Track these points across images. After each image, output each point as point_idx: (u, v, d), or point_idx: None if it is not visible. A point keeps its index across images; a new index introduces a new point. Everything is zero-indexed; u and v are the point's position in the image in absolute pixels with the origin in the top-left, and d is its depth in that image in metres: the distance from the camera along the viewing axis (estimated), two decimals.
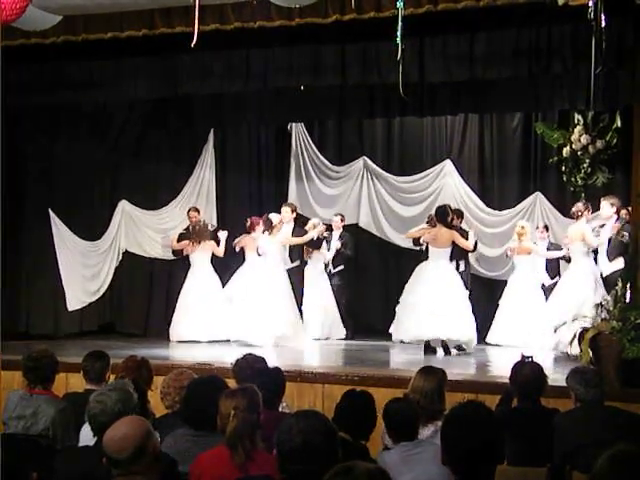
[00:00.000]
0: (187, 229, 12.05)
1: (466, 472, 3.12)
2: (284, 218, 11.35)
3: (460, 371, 8.59)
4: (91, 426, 4.29)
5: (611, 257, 9.94)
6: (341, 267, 12.26)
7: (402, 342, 10.65)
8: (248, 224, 12.19)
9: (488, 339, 11.21)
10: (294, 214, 11.59)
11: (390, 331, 10.81)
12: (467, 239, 10.81)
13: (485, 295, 12.30)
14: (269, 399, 5.06)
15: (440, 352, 10.04)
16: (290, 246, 11.52)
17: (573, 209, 10.42)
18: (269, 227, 11.10)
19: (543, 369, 5.65)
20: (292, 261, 11.63)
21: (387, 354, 10.61)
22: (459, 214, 11.71)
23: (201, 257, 11.84)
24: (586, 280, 10.06)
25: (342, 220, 12.32)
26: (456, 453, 3.15)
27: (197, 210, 12.18)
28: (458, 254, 11.00)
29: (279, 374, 5.70)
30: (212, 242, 11.93)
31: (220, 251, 11.94)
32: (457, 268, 11.43)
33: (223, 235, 11.95)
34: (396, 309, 10.62)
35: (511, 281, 11.57)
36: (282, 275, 11.10)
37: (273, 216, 11.30)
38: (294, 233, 11.47)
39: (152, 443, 3.48)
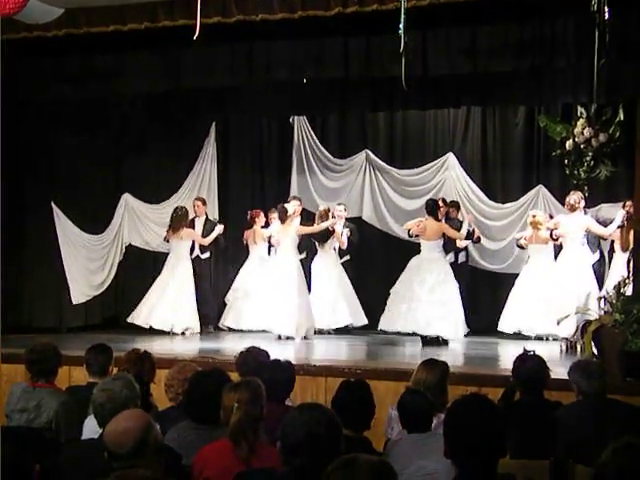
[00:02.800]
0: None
1: (468, 465, 3.12)
2: (294, 212, 11.31)
3: (463, 364, 8.60)
4: (97, 416, 4.29)
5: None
6: (347, 257, 12.25)
7: (384, 332, 10.91)
8: (249, 217, 12.24)
9: (500, 327, 11.21)
10: (301, 207, 11.62)
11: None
12: (460, 230, 11.05)
13: (487, 288, 12.35)
14: (278, 392, 5.08)
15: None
16: (299, 237, 11.43)
17: (572, 200, 10.34)
18: (284, 216, 11.10)
19: (545, 362, 5.65)
20: (300, 252, 11.62)
21: (390, 347, 10.61)
22: (455, 206, 11.89)
23: (177, 245, 11.69)
24: (589, 271, 10.17)
25: (345, 210, 12.29)
26: (458, 446, 3.15)
27: (201, 199, 12.17)
28: (453, 246, 11.23)
29: (289, 368, 5.69)
30: (190, 230, 11.79)
31: (203, 240, 11.86)
32: (456, 260, 11.56)
33: (218, 229, 11.92)
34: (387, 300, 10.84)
35: (526, 270, 11.29)
36: (297, 265, 11.14)
37: (289, 206, 11.27)
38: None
39: (153, 436, 3.48)
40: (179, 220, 11.63)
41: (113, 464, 3.40)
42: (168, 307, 11.41)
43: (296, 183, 13.33)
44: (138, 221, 12.48)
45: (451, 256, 11.57)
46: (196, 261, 11.92)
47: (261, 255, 12.28)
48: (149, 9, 8.90)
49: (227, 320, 12.33)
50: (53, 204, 11.63)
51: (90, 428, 4.73)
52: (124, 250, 12.39)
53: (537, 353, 5.84)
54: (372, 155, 13.10)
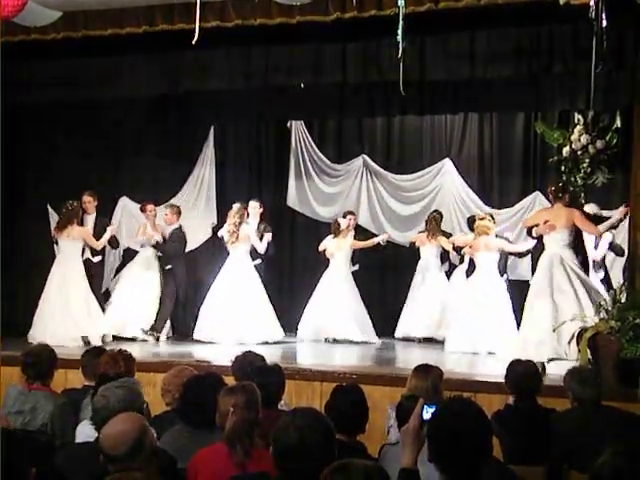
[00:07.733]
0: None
1: (451, 469, 3.08)
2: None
3: (457, 370, 8.60)
4: (94, 420, 4.29)
5: None
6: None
7: None
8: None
9: (447, 347, 10.36)
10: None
11: None
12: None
13: None
14: (269, 397, 5.07)
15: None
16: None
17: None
18: (337, 230, 11.48)
19: (538, 368, 5.66)
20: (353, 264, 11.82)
21: (386, 352, 10.61)
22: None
23: (65, 245, 10.60)
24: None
25: (260, 207, 11.93)
26: (441, 449, 3.08)
27: (92, 195, 11.08)
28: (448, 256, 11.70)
29: (279, 372, 5.69)
30: (82, 229, 10.67)
31: (95, 243, 10.76)
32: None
33: (110, 229, 10.95)
34: None
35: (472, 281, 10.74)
36: (350, 278, 11.57)
37: (342, 220, 11.59)
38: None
39: (148, 439, 3.49)
40: (69, 217, 10.55)
41: (109, 467, 3.41)
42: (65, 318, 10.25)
43: (293, 188, 13.32)
44: (136, 225, 12.43)
45: (446, 265, 11.73)
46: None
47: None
48: (147, 13, 8.92)
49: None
50: (49, 206, 11.62)
51: (83, 434, 4.72)
52: (122, 254, 12.35)
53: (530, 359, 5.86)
54: (369, 160, 13.10)
